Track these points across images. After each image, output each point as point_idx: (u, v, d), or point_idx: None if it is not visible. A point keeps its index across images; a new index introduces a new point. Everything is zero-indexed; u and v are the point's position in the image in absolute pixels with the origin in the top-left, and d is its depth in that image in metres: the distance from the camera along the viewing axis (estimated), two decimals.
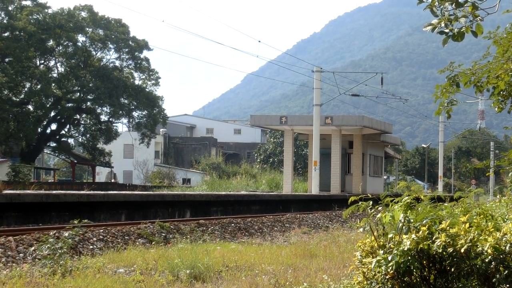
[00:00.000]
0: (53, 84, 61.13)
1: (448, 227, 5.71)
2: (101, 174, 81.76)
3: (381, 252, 5.82)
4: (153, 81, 67.61)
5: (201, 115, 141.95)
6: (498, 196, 16.22)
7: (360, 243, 6.30)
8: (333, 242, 15.38)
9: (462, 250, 5.46)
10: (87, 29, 64.02)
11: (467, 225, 5.70)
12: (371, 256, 6.02)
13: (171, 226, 16.81)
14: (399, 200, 6.19)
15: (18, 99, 60.40)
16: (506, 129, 15.03)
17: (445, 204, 6.69)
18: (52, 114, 63.55)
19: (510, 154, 11.93)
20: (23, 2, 62.01)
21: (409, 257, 5.56)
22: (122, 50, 65.76)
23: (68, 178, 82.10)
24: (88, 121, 65.92)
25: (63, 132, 65.94)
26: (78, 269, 10.00)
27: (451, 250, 5.54)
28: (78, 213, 18.10)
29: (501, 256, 5.41)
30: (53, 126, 65.95)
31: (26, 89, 60.18)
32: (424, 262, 5.72)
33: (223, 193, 30.05)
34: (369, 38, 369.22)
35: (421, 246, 5.58)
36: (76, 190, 33.38)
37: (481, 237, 5.56)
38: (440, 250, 5.55)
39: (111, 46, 65.48)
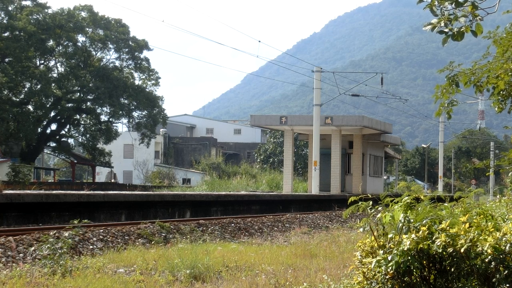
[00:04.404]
0: (53, 84, 61.11)
1: (448, 227, 5.71)
2: (101, 174, 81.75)
3: (381, 252, 5.82)
4: (153, 81, 67.61)
5: (201, 115, 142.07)
6: (498, 196, 16.23)
7: (360, 243, 6.31)
8: (333, 242, 15.38)
9: (462, 250, 5.46)
10: (87, 29, 64.00)
11: (467, 225, 5.70)
12: (371, 256, 6.02)
13: (171, 226, 16.81)
14: (399, 200, 6.20)
15: (18, 99, 60.39)
16: (506, 128, 15.04)
17: (445, 204, 6.69)
18: (52, 114, 63.53)
19: (510, 154, 11.93)
20: (23, 2, 62.03)
21: (409, 257, 5.56)
22: (122, 50, 65.75)
23: (68, 178, 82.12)
24: (88, 121, 65.87)
25: (63, 132, 65.92)
26: (78, 269, 10.00)
27: (451, 250, 5.54)
28: (78, 213, 18.11)
29: (501, 256, 5.41)
30: (53, 126, 65.99)
31: (26, 89, 60.16)
32: (424, 262, 5.72)
33: (223, 193, 30.04)
34: (369, 38, 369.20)
35: (421, 246, 5.58)
36: (76, 190, 33.35)
37: (481, 237, 5.56)
38: (440, 250, 5.55)
39: (111, 46, 65.47)
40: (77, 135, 66.76)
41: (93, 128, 65.25)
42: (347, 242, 15.14)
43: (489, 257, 5.40)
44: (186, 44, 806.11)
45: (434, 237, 5.64)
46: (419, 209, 6.11)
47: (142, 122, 66.10)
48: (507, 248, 5.41)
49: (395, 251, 5.61)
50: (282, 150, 50.65)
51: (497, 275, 5.45)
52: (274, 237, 18.42)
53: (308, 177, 41.79)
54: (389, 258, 5.61)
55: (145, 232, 15.59)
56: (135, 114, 67.06)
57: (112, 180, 72.64)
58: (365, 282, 6.00)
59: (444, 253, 5.57)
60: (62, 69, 64.40)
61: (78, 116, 65.45)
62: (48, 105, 61.06)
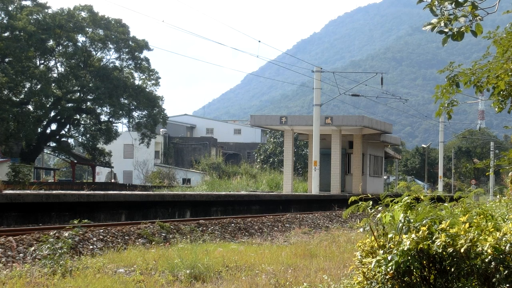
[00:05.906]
0: (53, 84, 61.12)
1: (448, 227, 5.71)
2: (101, 174, 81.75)
3: (381, 252, 5.82)
4: (153, 81, 67.63)
5: (201, 115, 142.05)
6: (498, 196, 16.23)
7: (360, 243, 6.31)
8: (333, 242, 15.37)
9: (462, 250, 5.46)
10: (87, 29, 64.01)
11: (467, 225, 5.70)
12: (371, 256, 6.02)
13: (171, 226, 16.81)
14: (399, 200, 6.20)
15: (18, 99, 60.39)
16: (506, 128, 15.04)
17: (445, 204, 6.69)
18: (52, 114, 63.54)
19: (510, 154, 11.93)
20: (23, 2, 62.05)
21: (409, 257, 5.56)
22: (122, 50, 65.76)
23: (68, 178, 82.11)
24: (88, 121, 65.89)
25: (63, 132, 65.92)
26: (78, 269, 10.00)
27: (451, 250, 5.54)
28: (78, 213, 18.11)
29: (501, 256, 5.41)
30: (53, 126, 65.99)
31: (26, 89, 60.14)
32: (424, 262, 5.72)
33: (223, 193, 30.04)
34: (369, 38, 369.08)
35: (421, 246, 5.58)
36: (76, 190, 33.37)
37: (481, 237, 5.56)
38: (440, 250, 5.55)
39: (111, 46, 65.47)
40: (77, 135, 66.78)
41: (93, 128, 65.27)
42: (347, 242, 15.14)
43: (489, 257, 5.40)
44: (186, 44, 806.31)
45: (434, 237, 5.64)
46: (419, 209, 6.11)
47: (142, 122, 66.11)
48: (507, 248, 5.41)
49: (395, 251, 5.61)
50: (282, 150, 50.65)
51: (497, 275, 5.45)
52: (274, 237, 18.42)
53: (308, 177, 41.78)
54: (389, 258, 5.61)
55: (145, 232, 15.59)
56: (135, 114, 67.13)
57: (112, 180, 72.62)
58: (365, 282, 6.00)
59: (444, 253, 5.57)
60: (62, 69, 64.43)
61: (78, 116, 65.46)
62: (48, 105, 61.07)
